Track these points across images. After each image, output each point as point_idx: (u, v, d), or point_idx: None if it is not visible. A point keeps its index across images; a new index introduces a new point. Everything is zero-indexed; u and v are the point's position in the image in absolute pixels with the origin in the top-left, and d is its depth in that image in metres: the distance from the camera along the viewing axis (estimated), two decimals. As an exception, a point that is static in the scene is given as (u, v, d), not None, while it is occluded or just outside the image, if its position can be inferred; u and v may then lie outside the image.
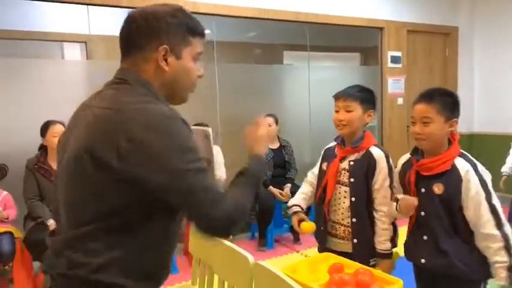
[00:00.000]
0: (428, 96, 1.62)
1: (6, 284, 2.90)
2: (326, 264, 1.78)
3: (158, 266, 1.11)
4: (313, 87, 4.81)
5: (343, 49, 6.49)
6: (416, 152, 1.69)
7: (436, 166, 1.59)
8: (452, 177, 1.57)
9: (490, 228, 1.51)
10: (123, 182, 0.97)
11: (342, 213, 1.93)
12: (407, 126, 5.28)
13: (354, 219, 1.89)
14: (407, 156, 1.77)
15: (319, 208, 2.02)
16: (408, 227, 1.76)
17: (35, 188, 2.97)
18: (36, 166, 2.99)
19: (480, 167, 1.58)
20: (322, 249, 2.03)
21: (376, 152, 1.87)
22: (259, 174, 1.22)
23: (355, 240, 1.89)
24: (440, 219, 1.60)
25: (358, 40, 6.08)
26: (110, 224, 1.00)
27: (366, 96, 1.94)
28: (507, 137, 4.17)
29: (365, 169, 1.85)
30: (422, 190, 1.64)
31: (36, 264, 3.06)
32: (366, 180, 1.85)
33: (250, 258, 1.82)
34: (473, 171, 1.55)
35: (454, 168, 1.58)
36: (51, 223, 2.89)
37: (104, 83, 1.16)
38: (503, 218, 1.54)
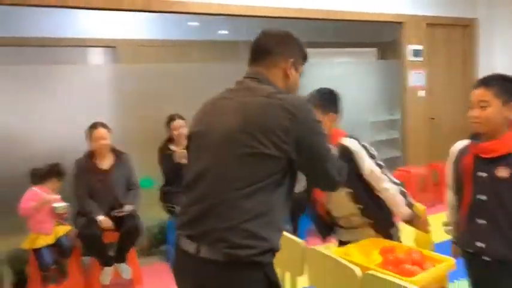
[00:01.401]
0: (486, 80, 1.63)
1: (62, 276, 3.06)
2: (375, 247, 1.91)
3: (283, 222, 1.36)
4: (334, 82, 4.89)
5: (359, 45, 6.58)
6: (475, 137, 1.68)
7: (498, 148, 1.58)
8: None
9: None
10: (282, 151, 1.24)
11: (340, 207, 2.06)
12: (430, 118, 5.36)
13: (361, 206, 2.00)
14: (462, 142, 1.78)
15: (313, 207, 2.18)
16: (462, 214, 1.73)
17: (85, 185, 3.13)
18: (86, 165, 3.15)
19: None
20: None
21: (348, 143, 1.97)
22: None
23: (370, 221, 2.02)
24: (503, 204, 1.58)
25: (374, 35, 6.16)
26: (262, 185, 1.24)
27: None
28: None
29: (346, 161, 1.82)
30: (483, 174, 1.62)
31: (86, 259, 3.24)
32: (353, 170, 1.91)
33: (302, 243, 1.96)
34: None
35: None
36: (102, 219, 3.06)
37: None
38: None
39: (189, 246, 1.28)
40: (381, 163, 1.96)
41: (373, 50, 6.67)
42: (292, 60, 1.42)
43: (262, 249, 1.23)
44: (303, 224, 4.00)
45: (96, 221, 3.03)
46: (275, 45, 1.41)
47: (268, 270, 1.28)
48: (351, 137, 2.01)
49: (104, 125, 3.21)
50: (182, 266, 1.34)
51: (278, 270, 2.03)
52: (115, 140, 3.30)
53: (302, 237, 3.96)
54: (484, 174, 1.62)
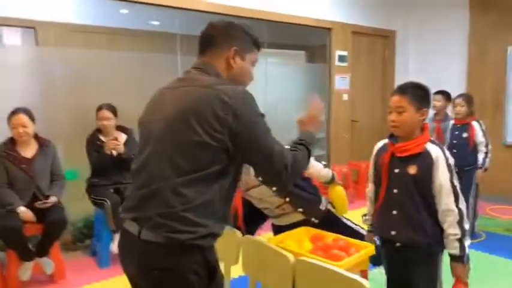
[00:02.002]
0: (402, 88, 1.83)
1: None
2: (306, 236, 2.05)
3: (227, 213, 1.39)
4: (264, 82, 5.06)
5: (289, 47, 6.81)
6: (392, 137, 1.90)
7: (410, 148, 1.79)
8: (425, 160, 1.76)
9: (449, 204, 1.72)
10: (218, 141, 1.25)
11: (268, 200, 2.32)
12: (352, 121, 5.75)
13: (287, 199, 2.30)
14: (383, 141, 1.99)
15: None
16: (378, 205, 1.94)
17: (3, 175, 2.92)
18: (4, 153, 2.94)
19: (447, 152, 1.82)
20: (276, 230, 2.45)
21: None
22: (311, 144, 1.52)
23: (300, 210, 2.35)
24: (411, 196, 1.78)
25: (303, 39, 6.43)
26: (204, 174, 1.26)
27: None
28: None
29: None
30: (396, 170, 1.85)
31: (2, 254, 3.02)
32: None
33: (238, 233, 2.04)
34: (442, 155, 1.76)
35: (426, 151, 1.77)
36: (21, 211, 2.87)
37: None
38: (461, 197, 1.78)
39: (133, 228, 1.31)
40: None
41: (302, 53, 6.95)
42: (235, 48, 1.41)
43: (201, 234, 1.27)
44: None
45: (17, 213, 2.84)
46: (218, 34, 1.42)
47: (208, 253, 1.33)
48: None
49: (26, 111, 3.02)
50: (127, 247, 1.37)
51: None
52: (37, 129, 3.11)
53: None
54: (397, 170, 1.84)
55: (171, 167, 1.27)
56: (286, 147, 1.42)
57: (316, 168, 2.41)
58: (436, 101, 3.98)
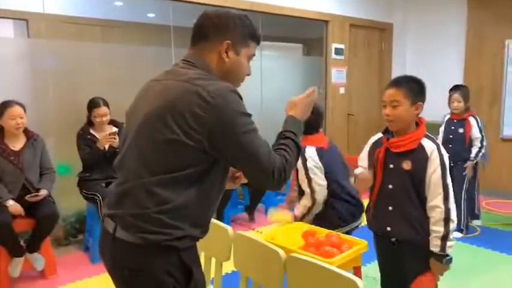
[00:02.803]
0: (397, 82, 1.79)
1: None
2: (298, 231, 2.02)
3: (207, 218, 1.31)
4: (261, 75, 5.01)
5: (287, 39, 6.75)
6: (387, 131, 1.87)
7: (405, 144, 1.75)
8: (420, 155, 1.73)
9: (437, 201, 1.69)
10: (194, 141, 1.16)
11: None
12: (348, 114, 5.70)
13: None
14: (378, 135, 1.95)
15: None
16: (371, 199, 1.93)
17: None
18: None
19: (442, 148, 1.79)
20: None
21: None
22: (298, 134, 1.37)
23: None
24: (406, 192, 1.76)
25: (301, 32, 6.37)
26: (179, 176, 1.18)
27: None
28: (431, 125, 4.69)
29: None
30: (391, 166, 1.83)
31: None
32: None
33: (229, 229, 2.00)
34: (437, 151, 1.72)
35: (421, 147, 1.74)
36: (10, 204, 2.83)
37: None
38: (452, 195, 1.71)
39: (109, 226, 1.27)
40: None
41: (300, 45, 6.90)
42: (228, 42, 1.29)
43: (176, 236, 1.20)
44: (227, 212, 4.08)
45: (6, 207, 2.80)
46: (210, 25, 1.30)
47: (184, 254, 1.24)
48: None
49: (19, 104, 2.97)
50: (103, 244, 1.32)
51: (204, 255, 2.07)
52: (29, 122, 3.06)
53: (227, 224, 4.04)
54: (392, 166, 1.81)
55: (144, 164, 1.21)
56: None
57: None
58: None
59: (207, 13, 1.33)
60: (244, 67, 1.36)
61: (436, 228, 1.69)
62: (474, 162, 3.70)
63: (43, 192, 2.99)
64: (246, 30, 1.32)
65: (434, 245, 1.70)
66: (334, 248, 1.77)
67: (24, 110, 3.00)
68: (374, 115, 5.94)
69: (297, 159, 1.35)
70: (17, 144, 3.00)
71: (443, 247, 1.68)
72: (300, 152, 1.35)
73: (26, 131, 3.05)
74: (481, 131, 3.68)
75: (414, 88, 1.77)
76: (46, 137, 3.23)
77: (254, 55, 1.37)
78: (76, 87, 3.72)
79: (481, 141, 3.68)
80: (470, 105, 3.79)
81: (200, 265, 1.34)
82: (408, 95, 1.75)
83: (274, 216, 2.43)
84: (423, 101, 1.79)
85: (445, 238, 1.68)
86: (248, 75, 1.39)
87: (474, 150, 3.70)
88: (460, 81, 5.17)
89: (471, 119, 3.70)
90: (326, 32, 5.38)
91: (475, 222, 3.99)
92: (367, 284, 1.49)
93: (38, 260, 2.96)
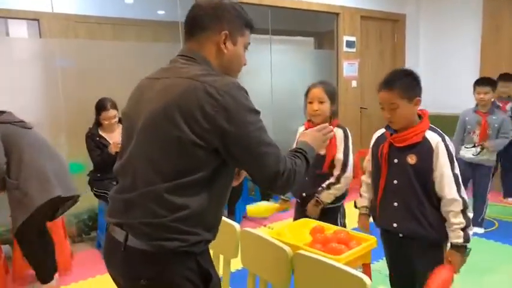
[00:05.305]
0: (388, 83, 1.73)
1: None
2: (306, 228, 1.99)
3: (218, 220, 1.30)
4: (272, 69, 4.97)
5: (298, 33, 6.69)
6: (389, 126, 1.82)
7: (409, 138, 1.72)
8: (424, 148, 1.69)
9: (453, 194, 1.66)
10: (203, 139, 1.12)
11: None
12: (360, 108, 5.62)
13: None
14: (381, 130, 1.92)
15: None
16: (378, 196, 1.88)
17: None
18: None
19: (447, 139, 1.74)
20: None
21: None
22: (311, 157, 1.36)
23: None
24: (412, 186, 1.72)
25: (312, 25, 6.29)
26: (191, 180, 1.15)
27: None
28: (449, 118, 4.58)
29: None
30: (395, 161, 1.77)
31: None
32: None
33: (237, 226, 1.98)
34: (442, 143, 1.68)
35: (425, 140, 1.70)
36: None
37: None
38: (462, 185, 1.69)
39: (118, 235, 1.22)
40: None
41: (311, 39, 6.82)
42: (225, 32, 1.24)
43: (193, 241, 1.18)
44: (239, 209, 4.07)
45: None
46: (206, 16, 1.25)
47: (200, 258, 1.22)
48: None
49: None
50: (111, 254, 1.28)
51: (212, 253, 2.06)
52: (42, 122, 3.09)
53: (238, 221, 4.03)
54: (397, 161, 1.77)
55: (154, 170, 1.16)
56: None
57: None
58: (483, 93, 3.46)
59: (199, 3, 1.28)
60: (242, 57, 1.33)
61: (457, 221, 1.67)
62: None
63: None
64: (241, 19, 1.29)
65: (457, 237, 1.67)
66: (342, 244, 1.73)
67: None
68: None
69: (306, 173, 1.32)
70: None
71: (467, 237, 1.66)
72: (307, 169, 1.32)
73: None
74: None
75: (408, 84, 1.72)
76: (58, 135, 3.26)
77: (249, 43, 1.34)
78: (88, 85, 3.75)
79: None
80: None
81: (214, 266, 1.32)
82: (404, 94, 1.70)
83: (251, 211, 2.38)
84: (420, 93, 1.73)
85: (467, 227, 1.66)
86: (244, 64, 1.35)
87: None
88: (476, 73, 5.05)
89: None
90: (337, 24, 5.30)
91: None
92: (377, 280, 1.45)
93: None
